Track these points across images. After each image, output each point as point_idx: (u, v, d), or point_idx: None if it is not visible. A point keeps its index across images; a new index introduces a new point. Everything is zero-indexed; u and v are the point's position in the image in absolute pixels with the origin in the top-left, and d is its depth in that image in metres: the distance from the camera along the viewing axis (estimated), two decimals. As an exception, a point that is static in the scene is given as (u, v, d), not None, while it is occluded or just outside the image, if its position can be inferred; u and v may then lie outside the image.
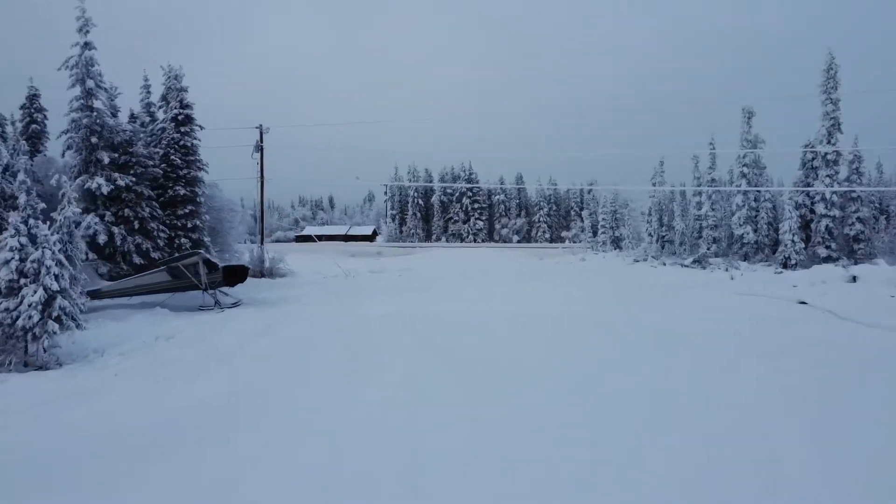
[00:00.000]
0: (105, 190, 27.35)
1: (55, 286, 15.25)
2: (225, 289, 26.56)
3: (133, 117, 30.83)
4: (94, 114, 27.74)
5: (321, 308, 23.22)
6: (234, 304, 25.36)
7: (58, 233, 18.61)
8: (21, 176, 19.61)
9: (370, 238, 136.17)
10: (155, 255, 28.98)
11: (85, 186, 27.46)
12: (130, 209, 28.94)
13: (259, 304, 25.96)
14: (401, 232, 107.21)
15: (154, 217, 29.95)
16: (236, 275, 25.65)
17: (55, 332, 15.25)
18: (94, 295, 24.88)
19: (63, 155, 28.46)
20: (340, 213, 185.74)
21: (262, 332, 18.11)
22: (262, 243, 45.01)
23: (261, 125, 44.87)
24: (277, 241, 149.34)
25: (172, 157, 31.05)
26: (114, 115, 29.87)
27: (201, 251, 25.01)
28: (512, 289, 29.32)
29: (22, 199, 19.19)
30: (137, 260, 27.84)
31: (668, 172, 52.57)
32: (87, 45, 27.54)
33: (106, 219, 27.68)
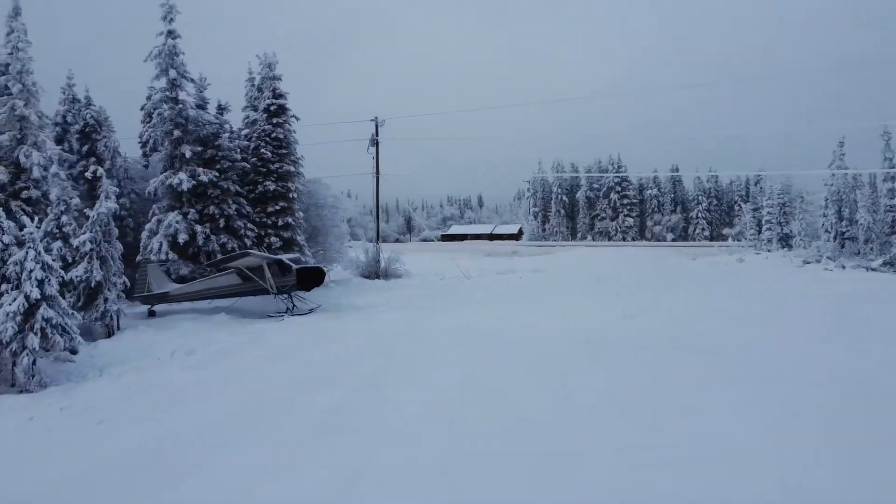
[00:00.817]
0: (186, 186, 25.71)
1: (36, 293, 12.71)
2: (302, 293, 23.86)
3: (221, 109, 29.25)
4: (179, 106, 26.22)
5: (393, 317, 19.67)
6: (310, 311, 22.55)
7: (90, 230, 16.46)
8: (53, 168, 17.86)
9: (516, 237, 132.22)
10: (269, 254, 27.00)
11: (167, 183, 26.00)
12: (216, 206, 27.19)
13: (337, 310, 22.96)
14: (543, 230, 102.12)
15: (241, 214, 28.07)
16: (312, 278, 22.79)
17: (34, 349, 12.71)
18: (163, 298, 23.14)
19: (150, 149, 27.31)
20: (490, 212, 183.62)
21: (295, 349, 14.83)
22: (377, 242, 42.61)
23: (376, 118, 42.47)
24: (425, 239, 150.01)
25: (263, 150, 29.05)
26: (201, 107, 28.36)
27: (252, 251, 22.41)
28: (635, 296, 24.00)
29: (55, 192, 17.35)
30: (220, 260, 25.91)
31: (850, 154, 43.38)
32: (170, 34, 26.08)
33: (189, 217, 26.05)
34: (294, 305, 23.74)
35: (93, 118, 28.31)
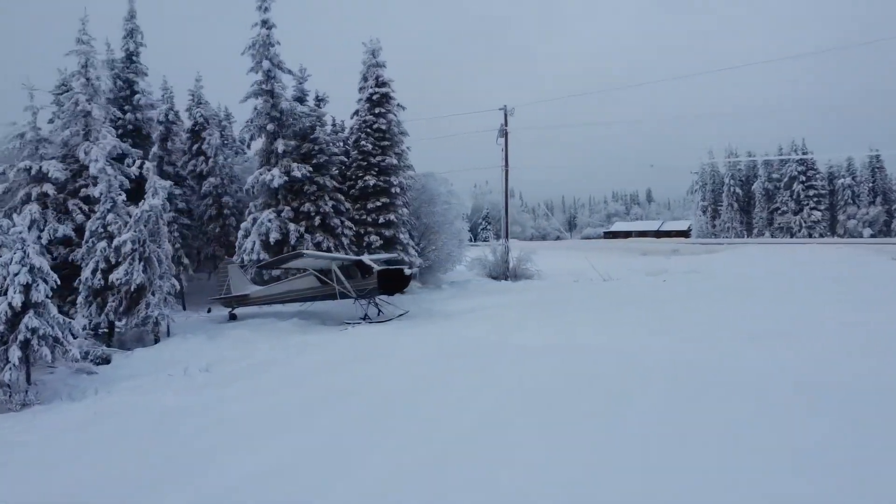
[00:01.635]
0: (278, 182, 24.42)
1: (18, 300, 11.23)
2: (386, 297, 21.49)
3: (319, 100, 27.74)
4: (274, 99, 25.01)
5: (477, 331, 16.41)
6: (389, 319, 20.13)
7: (133, 229, 15.14)
8: (100, 163, 16.87)
9: (685, 234, 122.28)
10: (337, 252, 25.29)
11: (260, 179, 24.90)
12: (312, 203, 25.70)
13: (423, 317, 20.36)
14: (713, 226, 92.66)
15: (339, 212, 26.37)
16: (394, 281, 20.29)
17: (15, 364, 11.26)
18: (242, 300, 21.89)
19: (248, 145, 26.47)
20: (661, 207, 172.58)
21: (313, 373, 12.32)
22: (506, 239, 39.52)
23: (504, 106, 39.37)
24: (586, 237, 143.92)
25: (363, 142, 27.15)
26: (300, 99, 27.06)
27: (306, 251, 20.23)
28: (841, 311, 18.57)
29: (102, 187, 16.32)
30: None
31: None
32: (264, 24, 24.98)
33: (283, 215, 24.75)
34: (380, 312, 21.45)
35: (202, 116, 28.10)
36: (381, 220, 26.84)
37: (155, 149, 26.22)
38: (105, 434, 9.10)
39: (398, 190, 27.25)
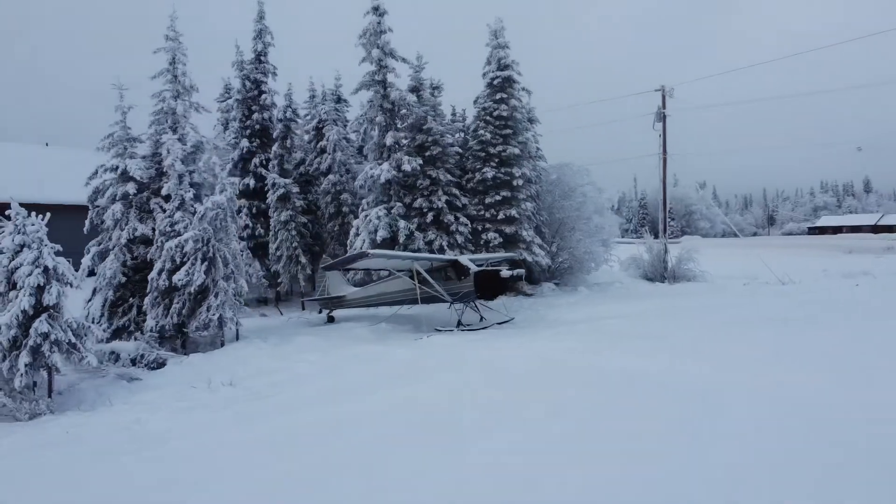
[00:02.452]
0: (386, 177, 23.05)
1: (27, 303, 10.66)
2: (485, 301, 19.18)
3: (434, 88, 25.89)
4: (386, 89, 23.69)
5: (559, 347, 13.57)
6: (485, 327, 17.87)
7: (196, 228, 14.45)
8: (169, 159, 16.33)
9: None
10: (453, 252, 23.41)
11: (369, 174, 23.69)
12: (424, 198, 24.05)
13: (528, 326, 18.00)
14: (947, 219, 77.75)
15: (454, 207, 24.44)
16: (493, 283, 17.92)
17: (22, 371, 10.70)
18: (339, 303, 20.77)
19: (361, 139, 25.41)
20: (884, 199, 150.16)
21: (339, 393, 10.46)
22: (664, 235, 35.18)
23: (662, 87, 35.00)
24: (788, 233, 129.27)
25: (482, 131, 24.92)
26: (417, 89, 25.47)
27: (368, 250, 18.01)
28: None
29: (168, 187, 15.81)
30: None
31: None
32: (375, 10, 23.71)
33: (394, 211, 23.35)
34: (482, 318, 19.20)
35: (326, 113, 27.66)
36: (501, 215, 24.47)
37: (275, 147, 26.13)
38: (40, 464, 7.87)
39: (521, 182, 24.67)
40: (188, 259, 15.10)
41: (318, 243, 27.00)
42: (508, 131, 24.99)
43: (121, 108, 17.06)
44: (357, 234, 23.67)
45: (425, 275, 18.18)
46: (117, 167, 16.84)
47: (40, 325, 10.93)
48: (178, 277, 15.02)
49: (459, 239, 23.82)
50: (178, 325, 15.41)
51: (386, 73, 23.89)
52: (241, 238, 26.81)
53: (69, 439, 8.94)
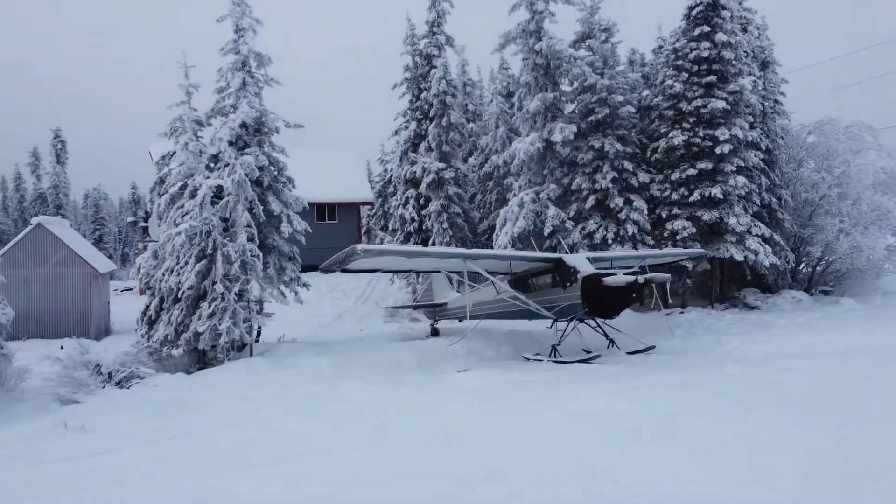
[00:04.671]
0: (526, 151, 18.06)
1: None
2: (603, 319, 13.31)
3: (605, 30, 19.39)
4: (542, 42, 18.63)
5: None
6: (593, 357, 12.29)
7: (194, 218, 12.26)
8: (184, 138, 13.91)
9: None
10: (621, 246, 17.49)
11: (510, 150, 18.90)
12: (585, 177, 18.40)
13: (661, 365, 11.95)
14: None
15: (627, 187, 18.24)
16: (608, 293, 12.10)
17: None
18: (442, 311, 16.70)
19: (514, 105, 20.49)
20: None
21: (250, 448, 6.93)
22: None
23: None
24: None
25: (670, 81, 18.14)
26: (586, 38, 19.68)
27: (359, 245, 12.24)
28: None
29: (178, 169, 13.59)
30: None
31: None
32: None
33: (543, 195, 18.23)
34: (611, 343, 13.35)
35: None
36: (696, 196, 17.50)
37: (431, 126, 22.78)
38: None
39: (729, 149, 17.32)
40: (181, 257, 12.63)
41: (478, 238, 22.94)
42: (712, 78, 17.77)
43: (184, 87, 15.33)
44: (503, 226, 19.10)
45: (490, 277, 13.13)
46: (173, 153, 15.21)
47: None
48: (163, 279, 12.65)
49: (631, 229, 17.61)
50: (179, 336, 13.02)
51: (541, 19, 18.73)
52: (408, 234, 24.21)
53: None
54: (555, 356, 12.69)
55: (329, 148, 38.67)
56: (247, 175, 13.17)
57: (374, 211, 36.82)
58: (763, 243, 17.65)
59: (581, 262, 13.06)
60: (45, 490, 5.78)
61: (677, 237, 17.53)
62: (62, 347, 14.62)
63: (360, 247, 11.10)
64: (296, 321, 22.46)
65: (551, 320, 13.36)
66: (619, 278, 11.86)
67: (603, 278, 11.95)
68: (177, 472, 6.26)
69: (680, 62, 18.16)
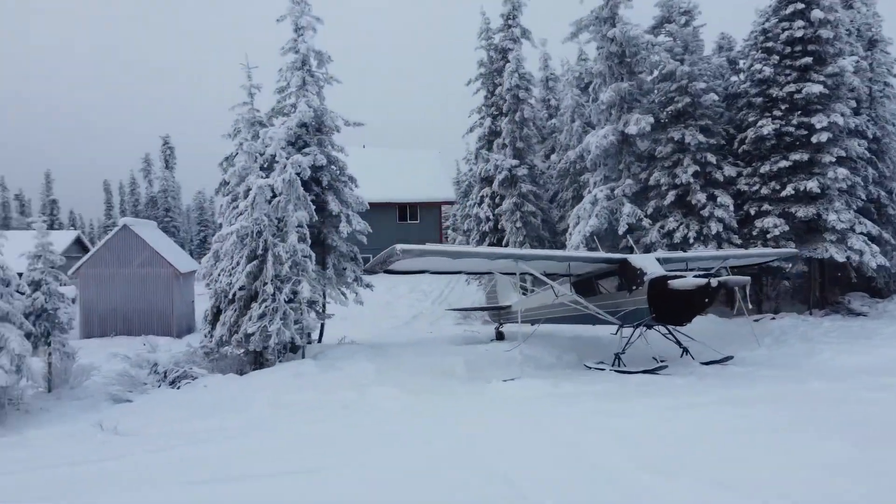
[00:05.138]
0: (597, 145, 17.07)
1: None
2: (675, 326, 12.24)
3: (685, 13, 17.83)
4: (616, 28, 17.58)
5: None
6: (661, 367, 11.32)
7: (246, 218, 12.40)
8: (242, 134, 13.89)
9: None
10: (704, 245, 16.20)
11: (585, 144, 17.92)
12: (664, 171, 17.18)
13: (737, 378, 10.92)
14: None
15: (710, 182, 16.84)
16: (677, 297, 11.07)
17: None
18: (507, 314, 16.06)
19: (592, 98, 19.39)
20: None
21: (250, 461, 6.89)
22: None
23: None
24: None
25: (758, 66, 16.59)
26: (665, 23, 18.40)
27: (399, 245, 11.30)
28: None
29: (235, 166, 13.65)
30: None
31: None
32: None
33: (618, 191, 17.19)
34: (685, 351, 12.26)
35: (563, 75, 22.46)
36: (789, 190, 15.90)
37: (504, 122, 22.04)
38: None
39: (827, 137, 15.61)
40: (234, 257, 12.61)
41: (557, 238, 21.97)
42: (807, 60, 16.09)
43: (246, 88, 15.42)
44: (575, 225, 18.17)
45: (545, 279, 12.26)
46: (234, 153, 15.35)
47: None
48: (218, 279, 12.67)
49: (715, 227, 16.22)
50: (231, 336, 13.00)
51: (615, 5, 17.64)
52: (483, 233, 23.63)
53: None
54: (618, 365, 11.74)
55: (411, 148, 38.75)
56: (298, 174, 13.05)
57: (459, 210, 36.46)
58: (869, 242, 15.84)
59: (649, 263, 12.02)
60: (33, 496, 5.67)
61: (768, 236, 15.99)
62: (144, 344, 15.15)
63: (399, 247, 10.63)
64: (370, 321, 22.42)
65: (616, 326, 12.40)
66: (688, 281, 10.78)
67: (669, 281, 10.91)
68: (168, 482, 6.03)
69: (770, 44, 16.58)
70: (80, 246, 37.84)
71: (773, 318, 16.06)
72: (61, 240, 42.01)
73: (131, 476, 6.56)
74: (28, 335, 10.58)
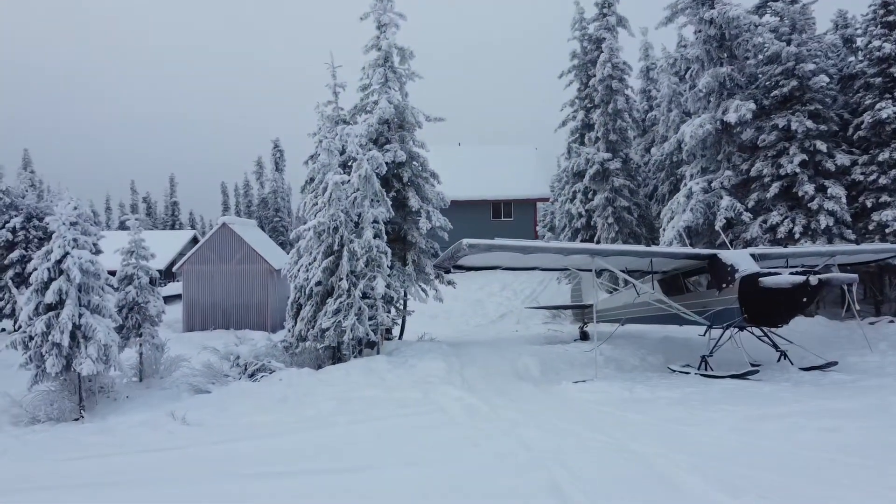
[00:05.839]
0: (692, 135, 16.11)
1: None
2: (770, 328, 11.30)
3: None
4: (714, 10, 16.53)
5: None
6: (752, 372, 10.47)
7: (324, 211, 12.76)
8: (319, 130, 14.04)
9: None
10: (812, 241, 14.91)
11: (683, 133, 16.93)
12: (767, 161, 15.95)
13: (849, 387, 9.88)
14: None
15: (821, 172, 15.42)
16: (772, 297, 10.22)
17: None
18: (590, 314, 15.47)
19: (689, 85, 18.27)
20: None
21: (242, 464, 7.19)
22: None
23: None
24: None
25: (877, 42, 15.02)
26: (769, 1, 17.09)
27: (466, 241, 10.57)
28: None
29: (318, 163, 13.91)
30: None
31: None
32: None
33: (715, 184, 16.15)
34: (782, 356, 11.29)
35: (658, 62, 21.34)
36: (914, 180, 14.28)
37: (596, 115, 21.24)
38: None
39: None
40: (312, 253, 12.78)
41: (655, 234, 20.91)
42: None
43: (331, 87, 15.69)
44: (669, 220, 17.24)
45: (626, 276, 11.55)
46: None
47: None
48: (298, 275, 12.89)
49: (825, 221, 14.84)
50: (312, 331, 13.15)
51: (711, -14, 16.56)
52: (575, 230, 22.93)
53: None
54: (704, 369, 10.94)
55: (505, 144, 38.32)
56: (375, 170, 13.10)
57: (559, 207, 35.65)
58: None
59: (741, 259, 11.12)
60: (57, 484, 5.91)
61: (886, 230, 14.46)
62: (238, 338, 15.83)
63: (465, 242, 10.37)
64: (459, 318, 22.37)
65: (704, 327, 11.56)
66: (783, 278, 9.85)
67: (761, 278, 10.02)
68: (221, 475, 6.13)
69: (891, 17, 14.98)
70: (195, 244, 40.17)
71: (893, 322, 14.48)
72: (180, 239, 44.94)
73: (188, 467, 6.75)
74: (120, 328, 11.20)
